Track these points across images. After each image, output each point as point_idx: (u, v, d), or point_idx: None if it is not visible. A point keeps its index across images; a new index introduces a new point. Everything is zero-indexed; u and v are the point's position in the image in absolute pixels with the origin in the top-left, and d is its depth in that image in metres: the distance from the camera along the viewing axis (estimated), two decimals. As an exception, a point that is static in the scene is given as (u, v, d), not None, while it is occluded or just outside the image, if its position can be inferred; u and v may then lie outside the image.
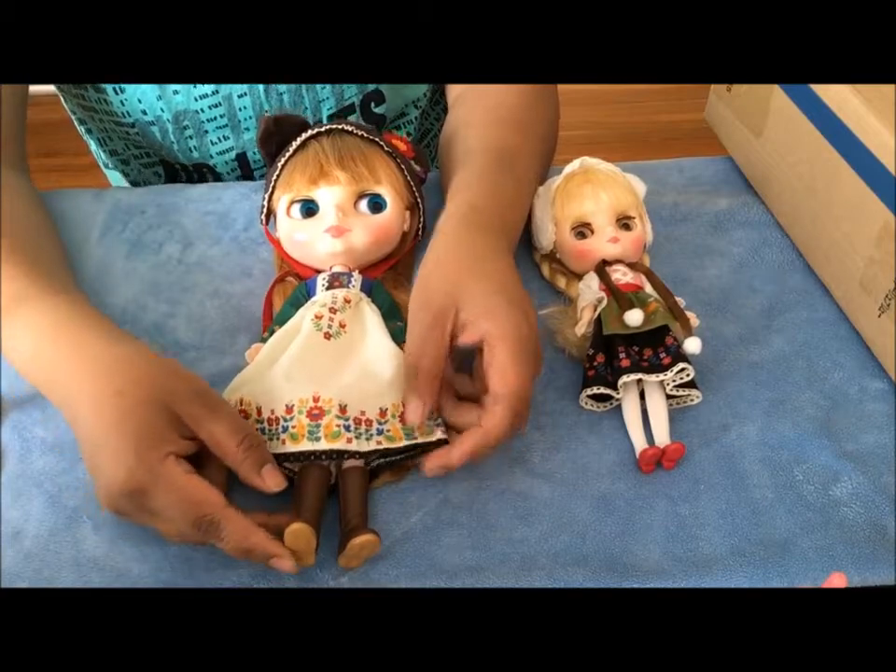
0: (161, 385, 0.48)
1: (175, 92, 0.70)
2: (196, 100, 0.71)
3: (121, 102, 0.71)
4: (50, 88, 0.77)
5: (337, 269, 0.60)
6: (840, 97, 0.61)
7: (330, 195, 0.60)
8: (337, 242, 0.59)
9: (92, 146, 0.85)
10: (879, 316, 0.59)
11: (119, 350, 0.50)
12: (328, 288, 0.58)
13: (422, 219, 0.65)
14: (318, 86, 0.74)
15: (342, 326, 0.56)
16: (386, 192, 0.61)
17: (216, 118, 0.73)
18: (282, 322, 0.57)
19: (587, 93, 0.94)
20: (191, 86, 0.70)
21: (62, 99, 0.79)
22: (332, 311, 0.56)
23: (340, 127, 0.62)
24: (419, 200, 0.64)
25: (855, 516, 0.53)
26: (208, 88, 0.71)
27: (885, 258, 0.58)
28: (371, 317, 0.57)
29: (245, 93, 0.72)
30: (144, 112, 0.72)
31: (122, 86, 0.70)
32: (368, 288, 0.59)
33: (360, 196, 0.61)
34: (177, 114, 0.72)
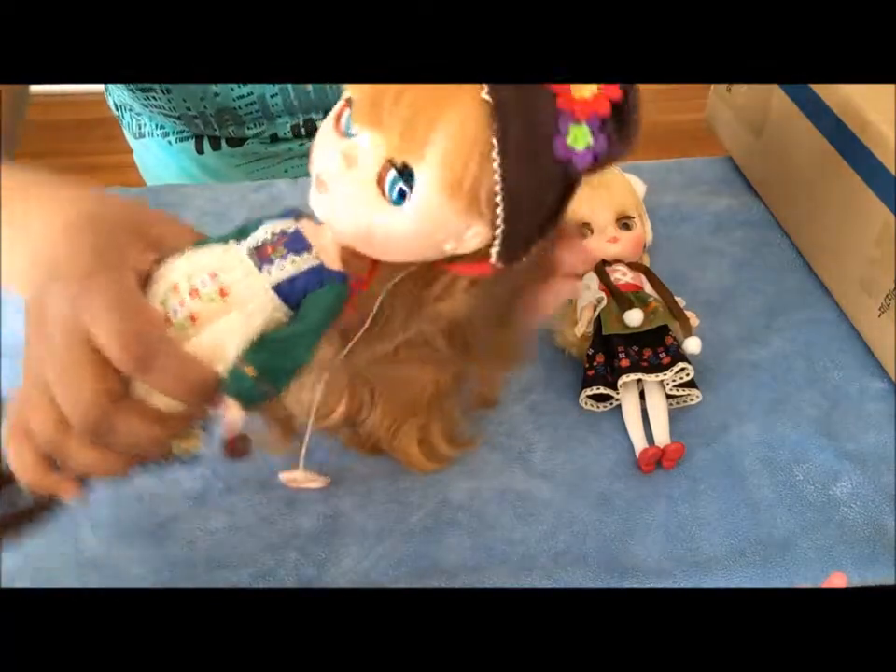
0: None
1: (216, 94, 0.78)
2: (234, 100, 0.79)
3: (168, 100, 0.79)
4: (50, 88, 0.80)
5: None
6: (840, 97, 0.61)
7: None
8: None
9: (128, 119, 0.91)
10: (879, 316, 0.59)
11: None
12: None
13: None
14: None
15: None
16: None
17: (251, 112, 0.81)
18: None
19: (587, 93, 0.93)
20: (229, 88, 0.77)
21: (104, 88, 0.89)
22: None
23: None
24: None
25: (855, 516, 0.53)
26: (245, 90, 0.78)
27: (885, 258, 0.58)
28: None
29: (276, 93, 0.79)
30: (188, 108, 0.80)
31: (168, 87, 0.77)
32: None
33: None
34: (219, 110, 0.80)
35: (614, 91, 0.35)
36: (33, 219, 0.41)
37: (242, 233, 0.39)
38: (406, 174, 0.35)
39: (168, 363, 0.36)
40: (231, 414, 0.38)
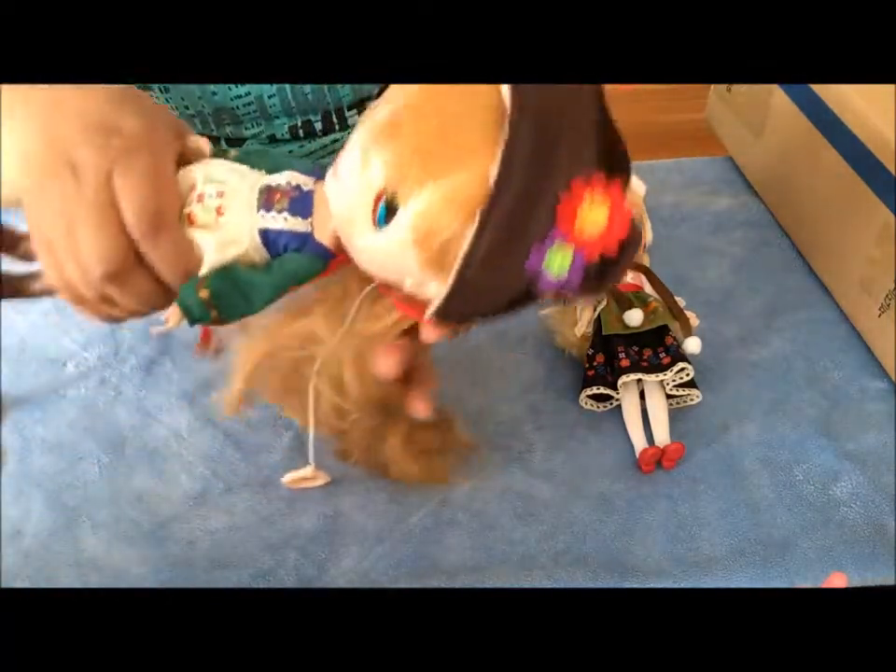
0: None
1: (214, 93, 0.78)
2: (231, 99, 0.78)
3: (166, 99, 0.79)
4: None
5: None
6: (840, 97, 0.61)
7: None
8: None
9: None
10: (879, 316, 0.59)
11: None
12: None
13: None
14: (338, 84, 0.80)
15: None
16: None
17: (249, 112, 0.80)
18: None
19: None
20: (227, 88, 0.77)
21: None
22: None
23: None
24: None
25: (855, 516, 0.53)
26: (242, 89, 0.78)
27: (885, 258, 0.58)
28: None
29: (274, 94, 0.79)
30: (186, 107, 0.79)
31: (167, 86, 0.77)
32: None
33: None
34: (217, 109, 0.80)
35: (611, 245, 0.35)
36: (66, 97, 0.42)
37: (274, 167, 0.40)
38: (392, 206, 0.36)
39: (171, 244, 0.38)
40: (172, 316, 0.41)
